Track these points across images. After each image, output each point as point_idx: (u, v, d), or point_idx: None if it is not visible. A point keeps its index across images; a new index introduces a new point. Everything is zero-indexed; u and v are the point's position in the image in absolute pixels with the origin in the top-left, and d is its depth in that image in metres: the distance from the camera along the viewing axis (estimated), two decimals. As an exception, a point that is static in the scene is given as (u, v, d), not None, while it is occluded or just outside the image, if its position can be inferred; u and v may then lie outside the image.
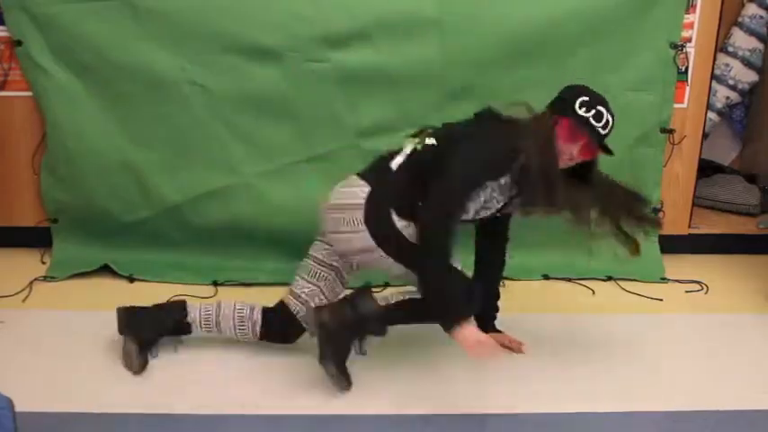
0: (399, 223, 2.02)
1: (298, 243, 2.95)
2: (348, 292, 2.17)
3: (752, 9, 3.51)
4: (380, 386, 2.10)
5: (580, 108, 2.04)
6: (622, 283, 2.94)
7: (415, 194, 2.00)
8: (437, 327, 1.98)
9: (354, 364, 2.14)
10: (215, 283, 2.81)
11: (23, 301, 2.65)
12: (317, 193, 2.89)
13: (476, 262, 2.34)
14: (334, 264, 2.19)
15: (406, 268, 2.04)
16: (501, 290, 2.40)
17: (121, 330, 2.21)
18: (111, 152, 2.81)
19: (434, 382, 2.17)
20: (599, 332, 2.55)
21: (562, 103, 2.09)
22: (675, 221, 3.12)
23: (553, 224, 3.00)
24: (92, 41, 2.69)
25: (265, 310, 2.22)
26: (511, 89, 2.81)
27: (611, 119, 2.07)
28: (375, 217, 2.03)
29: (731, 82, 3.59)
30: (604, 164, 2.91)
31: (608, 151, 2.12)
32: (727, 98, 3.62)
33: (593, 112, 2.04)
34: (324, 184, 2.90)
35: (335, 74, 2.72)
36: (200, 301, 2.35)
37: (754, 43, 3.54)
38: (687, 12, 2.85)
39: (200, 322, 2.21)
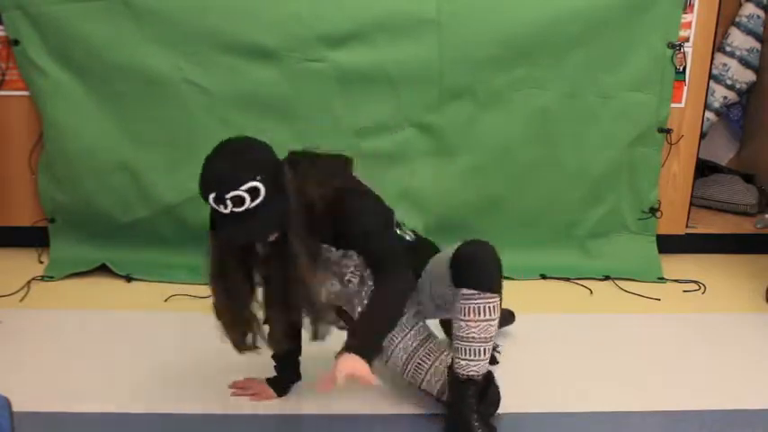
0: None
1: (296, 243, 2.97)
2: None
3: (749, 9, 3.52)
4: (380, 386, 2.10)
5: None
6: (620, 283, 2.94)
7: None
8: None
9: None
10: (213, 283, 2.80)
11: (21, 300, 2.64)
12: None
13: None
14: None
15: None
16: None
17: None
18: (109, 152, 2.80)
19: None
20: (596, 332, 2.55)
21: None
22: (673, 221, 3.13)
23: (551, 224, 3.03)
24: (89, 41, 2.68)
25: None
26: (509, 89, 2.82)
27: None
28: None
29: (729, 82, 3.60)
30: (603, 163, 2.94)
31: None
32: (725, 98, 3.63)
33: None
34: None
35: (334, 74, 2.72)
36: None
37: (751, 43, 3.55)
38: (684, 11, 2.85)
39: None
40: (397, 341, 1.95)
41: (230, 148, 1.70)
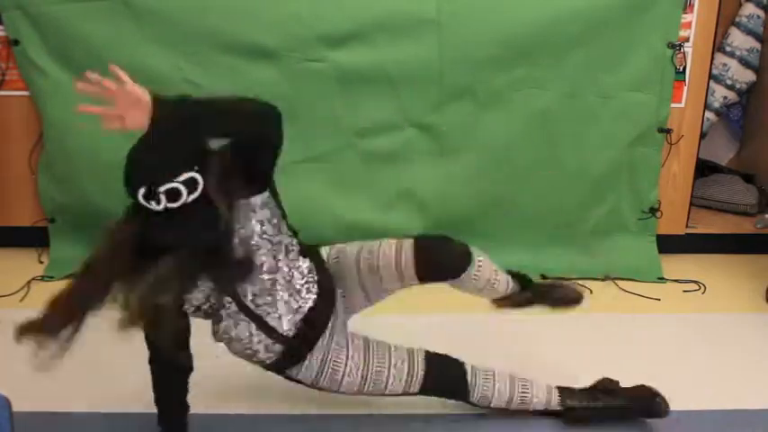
0: None
1: (295, 243, 2.97)
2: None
3: (749, 9, 3.51)
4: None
5: None
6: (620, 283, 2.94)
7: None
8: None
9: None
10: (213, 283, 2.80)
11: (21, 300, 2.64)
12: (315, 192, 2.91)
13: None
14: None
15: None
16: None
17: None
18: (109, 151, 2.76)
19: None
20: (596, 332, 2.55)
21: None
22: (673, 221, 3.12)
23: (551, 224, 3.03)
24: (89, 41, 2.68)
25: None
26: (509, 89, 2.82)
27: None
28: None
29: (729, 82, 3.59)
30: (603, 163, 2.94)
31: None
32: (725, 98, 3.62)
33: None
34: (322, 184, 2.93)
35: (334, 74, 2.72)
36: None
37: (751, 43, 3.54)
38: (685, 11, 2.84)
39: None
40: (342, 367, 1.82)
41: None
